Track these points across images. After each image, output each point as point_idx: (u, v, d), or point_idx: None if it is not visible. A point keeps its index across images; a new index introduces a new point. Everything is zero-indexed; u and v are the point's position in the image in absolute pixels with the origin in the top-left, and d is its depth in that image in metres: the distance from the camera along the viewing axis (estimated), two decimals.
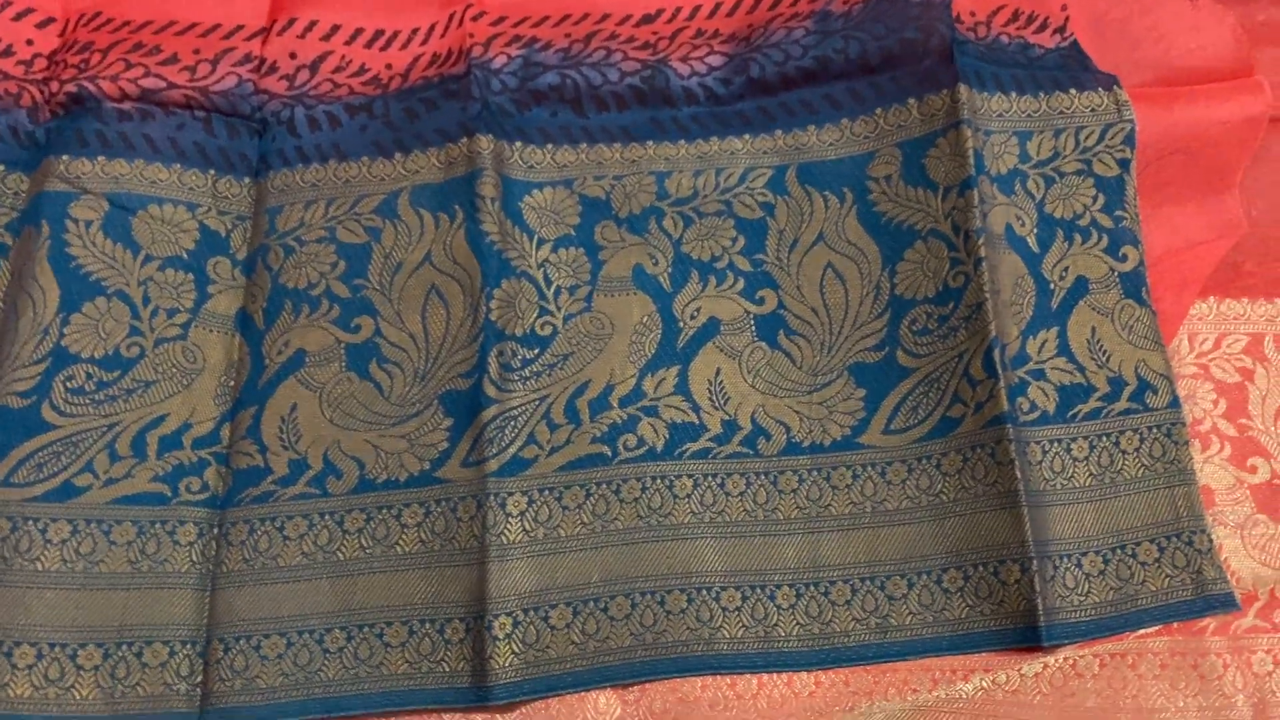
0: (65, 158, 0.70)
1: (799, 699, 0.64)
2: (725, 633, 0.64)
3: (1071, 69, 0.75)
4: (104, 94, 0.72)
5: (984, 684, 0.64)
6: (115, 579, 0.64)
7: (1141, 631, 0.65)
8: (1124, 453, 0.67)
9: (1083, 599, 0.63)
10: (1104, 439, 0.67)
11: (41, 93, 0.73)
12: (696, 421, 0.68)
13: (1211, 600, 0.64)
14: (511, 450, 0.66)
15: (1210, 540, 0.65)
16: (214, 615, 0.64)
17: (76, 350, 0.67)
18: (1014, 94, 0.73)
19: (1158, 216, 0.74)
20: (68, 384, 0.67)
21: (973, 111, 0.70)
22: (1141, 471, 0.66)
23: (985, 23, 0.75)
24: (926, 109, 0.71)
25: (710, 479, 0.67)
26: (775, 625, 0.64)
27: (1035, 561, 0.62)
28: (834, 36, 0.74)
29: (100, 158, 0.71)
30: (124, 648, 0.62)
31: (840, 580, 0.65)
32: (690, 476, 0.67)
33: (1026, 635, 0.62)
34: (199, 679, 0.63)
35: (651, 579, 0.65)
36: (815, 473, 0.67)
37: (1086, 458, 0.66)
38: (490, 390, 0.66)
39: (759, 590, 0.65)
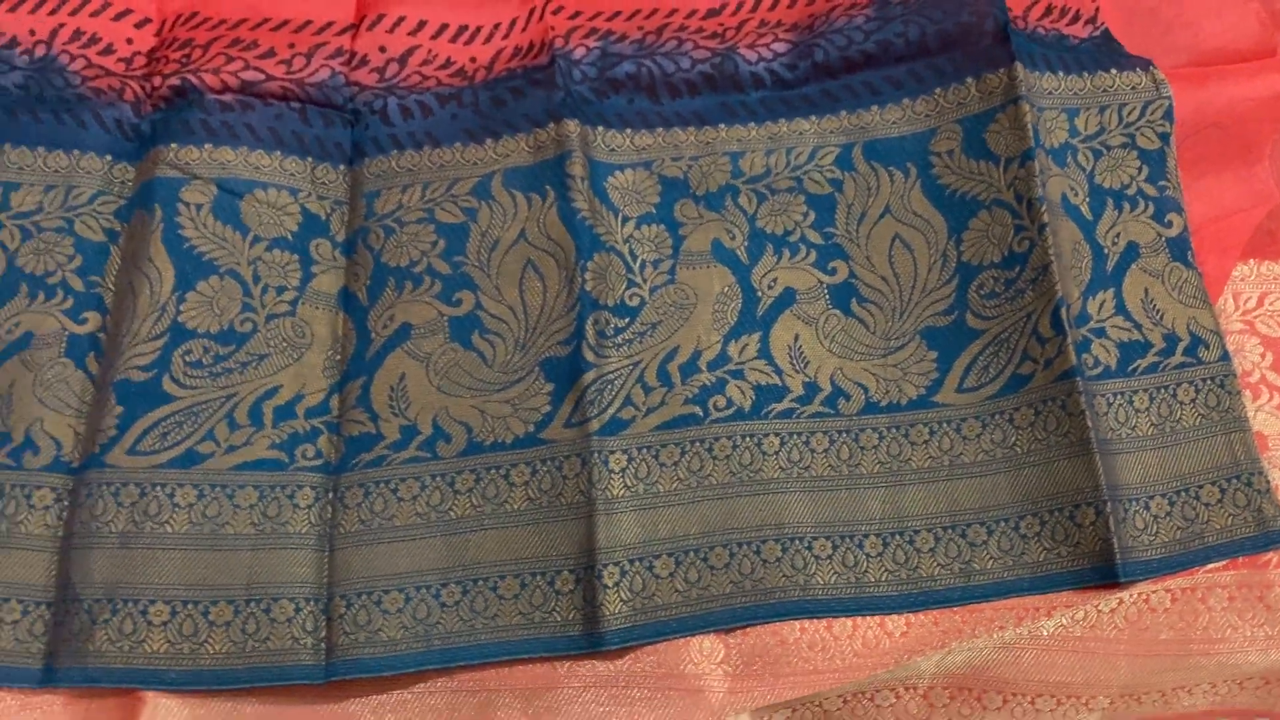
0: (174, 146, 0.73)
1: (892, 639, 0.67)
2: (819, 579, 0.67)
3: (1106, 55, 0.79)
4: (206, 86, 0.75)
5: (1064, 620, 0.68)
6: (240, 540, 0.66)
7: (1210, 566, 0.68)
8: (1181, 403, 0.71)
9: (1152, 539, 0.67)
10: (1162, 391, 0.71)
11: (143, 87, 0.76)
12: (780, 384, 0.71)
13: (1272, 536, 0.67)
14: (610, 411, 0.69)
15: (1267, 481, 0.68)
16: (334, 573, 0.66)
17: (193, 326, 0.70)
18: (1061, 73, 0.77)
19: (1196, 187, 0.78)
20: (186, 358, 0.69)
21: (1028, 89, 0.75)
22: (1199, 420, 0.70)
23: (1022, 17, 0.79)
24: (984, 87, 0.76)
25: (795, 437, 0.70)
26: (865, 572, 0.67)
27: (1109, 504, 0.66)
28: (894, 22, 0.78)
29: (207, 145, 0.73)
30: (252, 604, 0.65)
31: (924, 529, 0.68)
32: (777, 435, 0.70)
33: (1104, 573, 0.66)
34: (323, 633, 0.65)
35: (747, 530, 0.68)
36: (894, 430, 0.71)
37: (1147, 409, 0.70)
38: (589, 356, 0.69)
39: (848, 540, 0.68)
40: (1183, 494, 0.68)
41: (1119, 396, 0.70)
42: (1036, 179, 0.72)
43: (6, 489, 0.67)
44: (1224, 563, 0.68)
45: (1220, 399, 0.70)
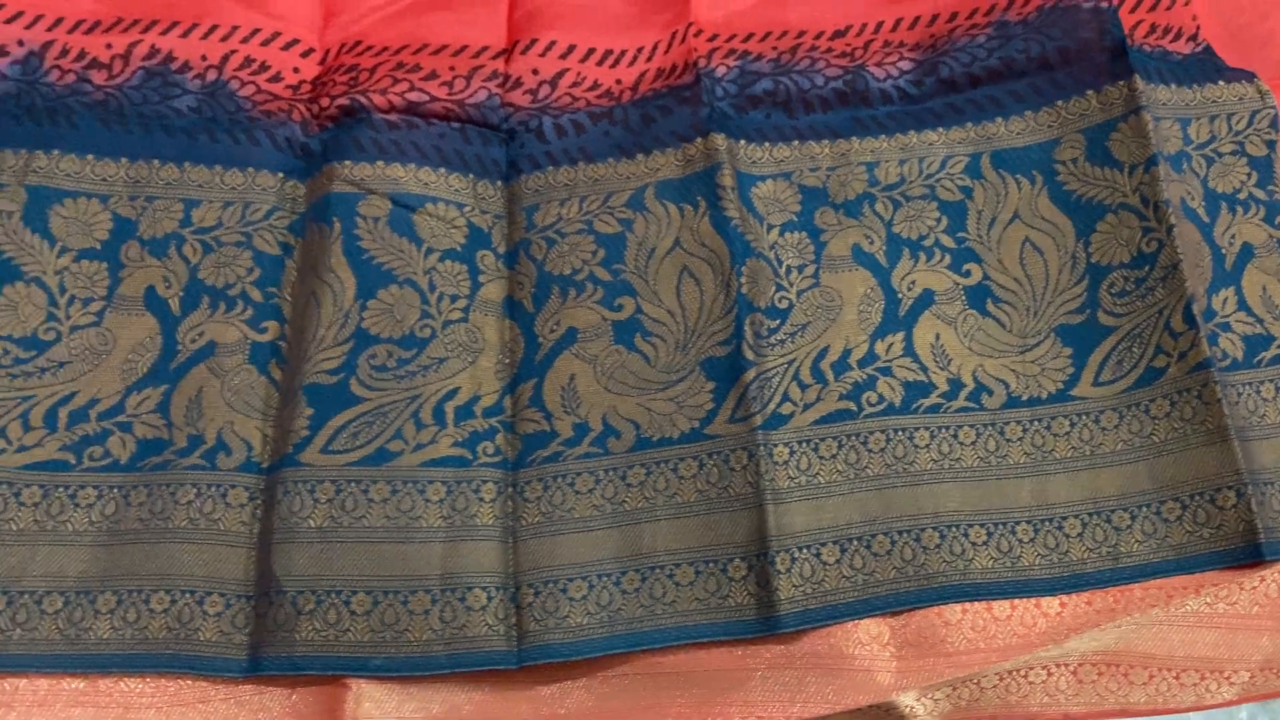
0: (348, 163, 0.76)
1: (1049, 619, 0.69)
2: (977, 564, 0.69)
3: (1210, 69, 0.83)
4: (374, 106, 0.78)
5: (1208, 598, 0.69)
6: (433, 533, 0.68)
7: None
8: None
9: None
10: None
11: (309, 109, 0.79)
12: (926, 380, 0.74)
13: None
14: (771, 407, 0.71)
15: None
16: (520, 563, 0.68)
17: (376, 332, 0.72)
18: (1173, 85, 0.80)
19: None
20: (371, 362, 0.72)
21: (1148, 100, 0.78)
22: None
23: (1129, 34, 0.83)
24: (1105, 99, 0.79)
25: (944, 430, 0.73)
26: (1020, 556, 0.69)
27: (1249, 487, 0.68)
28: (1015, 40, 0.82)
29: (379, 162, 0.76)
30: (448, 593, 0.67)
31: (1071, 515, 0.70)
32: (927, 429, 0.73)
33: (1248, 553, 0.67)
34: (514, 620, 0.67)
35: (905, 519, 0.70)
36: (1036, 422, 0.73)
37: (1274, 398, 0.73)
38: (749, 354, 0.72)
39: (1001, 526, 0.70)
40: None
41: (1247, 387, 0.73)
42: (1161, 183, 0.75)
43: (203, 488, 0.69)
44: None
45: None
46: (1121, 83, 0.78)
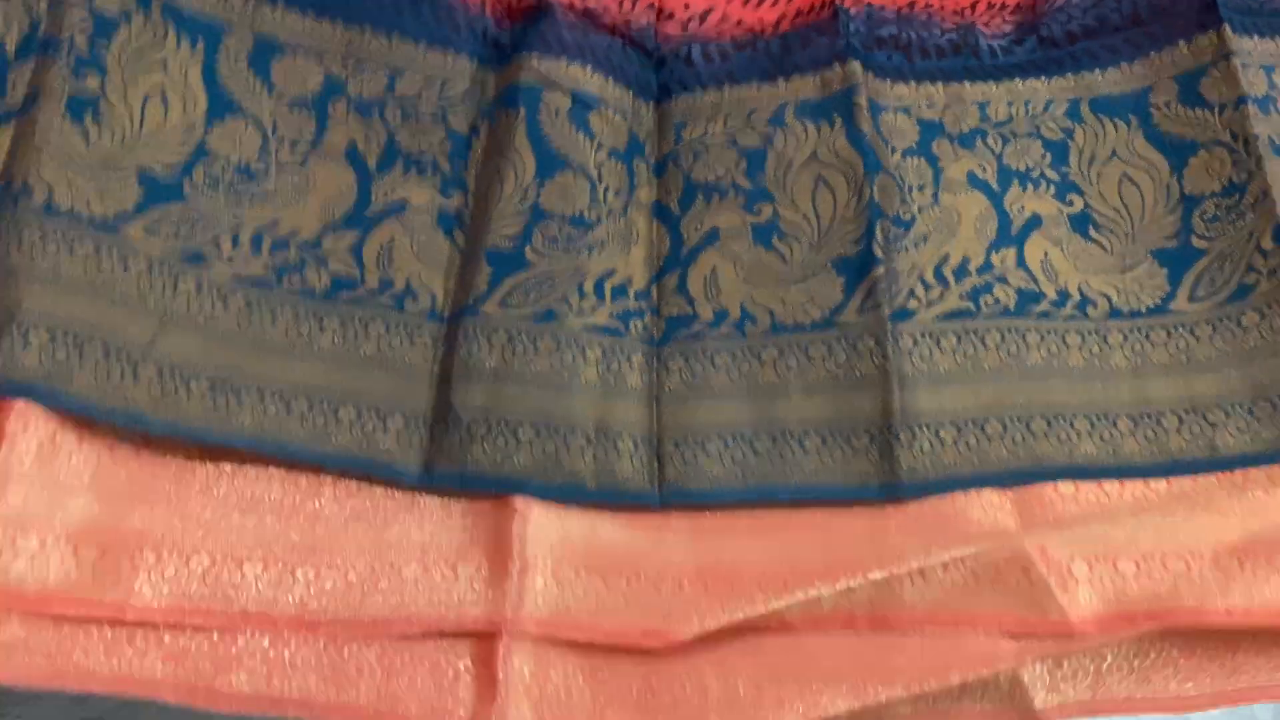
0: (536, 55, 0.80)
1: (1156, 494, 0.72)
2: (1083, 450, 0.72)
3: None
4: (559, 4, 0.83)
5: None
6: (590, 388, 0.72)
7: None
8: None
9: None
10: None
11: (500, 4, 0.84)
12: (1037, 290, 0.78)
13: None
14: (898, 301, 0.75)
15: None
16: (662, 422, 0.73)
17: (550, 209, 0.77)
18: (1257, 37, 0.85)
19: None
20: (544, 232, 0.76)
21: (1236, 47, 0.83)
22: None
23: None
24: (1195, 48, 0.84)
25: (1053, 334, 0.76)
26: (1121, 445, 0.72)
27: None
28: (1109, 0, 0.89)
29: (563, 59, 0.81)
30: (601, 438, 0.71)
31: (1169, 412, 0.74)
32: (1037, 331, 0.76)
33: None
34: (657, 467, 0.71)
35: (1016, 408, 0.73)
36: (1136, 332, 0.77)
37: None
38: (878, 252, 0.76)
39: (1103, 419, 0.73)
40: None
41: None
42: (1251, 120, 0.80)
43: (392, 325, 0.73)
44: None
45: None
46: (1211, 31, 0.84)
